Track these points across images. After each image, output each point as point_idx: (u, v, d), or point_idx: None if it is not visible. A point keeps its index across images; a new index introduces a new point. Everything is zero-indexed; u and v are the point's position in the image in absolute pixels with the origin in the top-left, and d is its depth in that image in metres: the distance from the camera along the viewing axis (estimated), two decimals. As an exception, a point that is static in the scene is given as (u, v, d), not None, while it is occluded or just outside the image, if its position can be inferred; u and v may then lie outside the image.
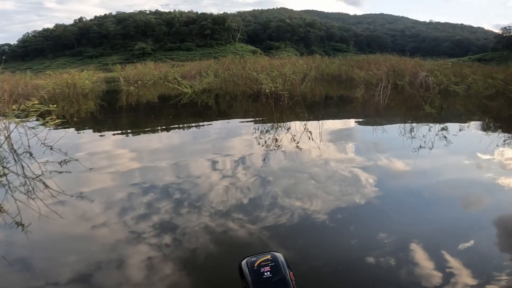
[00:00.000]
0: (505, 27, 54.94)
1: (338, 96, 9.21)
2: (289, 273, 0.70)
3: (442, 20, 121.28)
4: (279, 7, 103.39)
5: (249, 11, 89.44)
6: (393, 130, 5.05)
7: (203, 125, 5.76)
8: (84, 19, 62.86)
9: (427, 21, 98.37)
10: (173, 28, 58.28)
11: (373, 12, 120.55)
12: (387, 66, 11.37)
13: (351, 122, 6.06)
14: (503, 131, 5.02)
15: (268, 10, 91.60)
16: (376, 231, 2.34)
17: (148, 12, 66.48)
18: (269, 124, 5.26)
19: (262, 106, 7.43)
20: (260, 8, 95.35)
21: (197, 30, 58.05)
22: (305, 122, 5.72)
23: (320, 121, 5.50)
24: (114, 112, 7.97)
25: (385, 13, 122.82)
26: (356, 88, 8.75)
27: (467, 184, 3.20)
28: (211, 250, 2.08)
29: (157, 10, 67.13)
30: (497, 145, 4.27)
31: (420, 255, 2.05)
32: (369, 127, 5.46)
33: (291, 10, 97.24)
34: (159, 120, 6.41)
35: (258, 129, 5.02)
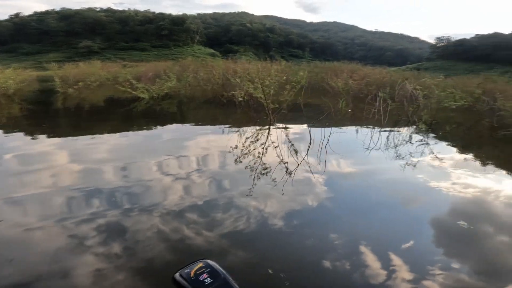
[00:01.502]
0: (439, 38, 62.30)
1: (316, 105, 8.60)
2: (229, 275, 0.71)
3: (386, 30, 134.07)
4: (240, 11, 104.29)
5: (210, 14, 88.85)
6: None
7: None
8: (21, 15, 56.30)
9: (374, 30, 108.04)
10: (126, 27, 55.17)
11: (328, 20, 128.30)
12: (360, 75, 11.46)
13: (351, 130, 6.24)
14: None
15: (229, 14, 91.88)
16: (328, 233, 2.42)
17: (99, 9, 62.01)
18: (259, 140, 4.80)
19: (243, 117, 6.87)
20: (221, 11, 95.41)
21: (153, 30, 55.78)
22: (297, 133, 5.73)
23: (325, 131, 5.04)
24: (46, 118, 6.91)
25: (338, 21, 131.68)
26: (332, 98, 8.41)
27: (410, 187, 3.52)
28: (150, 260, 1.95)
29: (109, 8, 62.97)
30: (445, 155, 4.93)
31: (367, 255, 2.19)
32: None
33: (252, 14, 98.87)
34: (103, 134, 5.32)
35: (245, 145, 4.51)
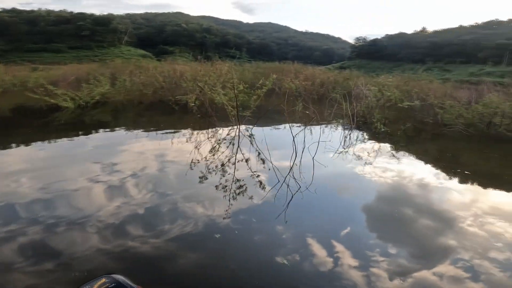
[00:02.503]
0: (357, 38, 70.04)
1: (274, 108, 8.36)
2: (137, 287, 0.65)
3: (315, 31, 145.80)
4: (175, 11, 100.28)
5: (141, 14, 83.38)
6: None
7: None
8: None
9: (304, 31, 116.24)
10: (36, 28, 47.92)
11: (264, 21, 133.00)
12: (306, 76, 11.67)
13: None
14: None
15: (163, 14, 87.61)
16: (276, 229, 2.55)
17: (1, 10, 53.35)
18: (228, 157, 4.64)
19: (198, 123, 6.53)
20: (154, 11, 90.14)
21: (71, 31, 49.69)
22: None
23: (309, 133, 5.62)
24: None
25: (273, 22, 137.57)
26: (282, 100, 8.05)
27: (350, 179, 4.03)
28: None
29: (14, 8, 54.61)
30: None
31: (314, 245, 2.35)
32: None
33: (188, 15, 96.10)
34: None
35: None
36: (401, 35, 61.30)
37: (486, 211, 3.41)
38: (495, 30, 48.92)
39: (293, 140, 4.66)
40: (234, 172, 3.89)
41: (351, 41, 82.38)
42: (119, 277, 0.73)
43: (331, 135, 6.41)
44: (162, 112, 8.30)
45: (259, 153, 4.71)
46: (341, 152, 5.17)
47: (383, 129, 6.76)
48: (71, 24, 50.21)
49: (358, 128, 7.33)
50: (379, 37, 64.09)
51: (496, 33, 45.52)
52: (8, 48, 43.95)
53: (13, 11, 53.11)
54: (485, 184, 4.31)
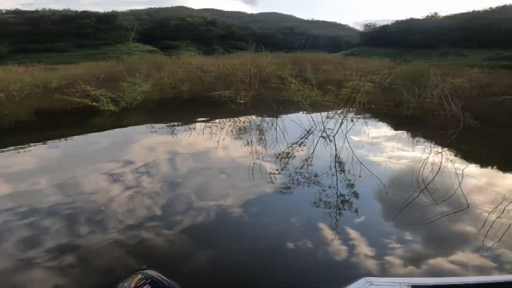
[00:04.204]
0: (366, 25, 68.06)
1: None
2: (173, 283, 0.69)
3: (321, 19, 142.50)
4: (176, 5, 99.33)
5: (144, 10, 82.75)
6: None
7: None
8: None
9: (309, 19, 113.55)
10: (40, 28, 47.99)
11: (267, 11, 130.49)
12: (352, 67, 10.24)
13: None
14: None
15: (165, 9, 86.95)
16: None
17: (4, 11, 53.91)
18: None
19: None
20: (156, 7, 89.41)
21: (74, 29, 49.62)
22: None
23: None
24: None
25: (276, 12, 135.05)
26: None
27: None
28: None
29: (17, 9, 54.97)
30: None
31: (326, 232, 2.41)
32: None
33: (191, 8, 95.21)
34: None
35: None
36: (412, 20, 59.22)
37: None
38: (508, 15, 46.62)
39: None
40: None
41: (357, 28, 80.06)
42: (154, 273, 0.74)
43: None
44: (217, 107, 7.63)
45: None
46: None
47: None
48: (75, 23, 50.19)
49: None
50: (388, 23, 62.08)
51: (509, 18, 43.47)
52: (13, 49, 44.21)
53: (17, 12, 53.37)
54: None
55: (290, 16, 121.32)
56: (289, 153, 4.71)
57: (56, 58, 35.56)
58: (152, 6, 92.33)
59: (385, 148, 5.21)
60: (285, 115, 6.93)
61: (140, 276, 0.70)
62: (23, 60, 33.85)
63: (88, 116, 6.94)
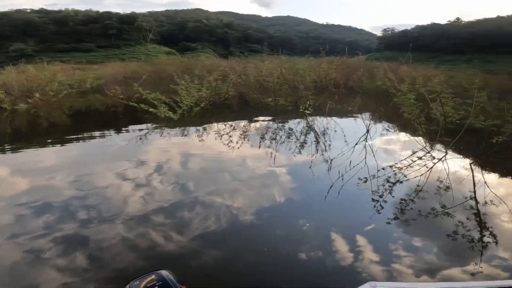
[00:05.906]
0: (385, 29, 66.88)
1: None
2: (181, 287, 0.68)
3: (336, 23, 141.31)
4: (194, 7, 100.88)
5: (162, 12, 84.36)
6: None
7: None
8: None
9: (325, 23, 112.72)
10: (65, 28, 49.27)
11: (282, 15, 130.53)
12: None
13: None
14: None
15: (182, 11, 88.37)
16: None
17: (29, 10, 55.75)
18: None
19: None
20: (174, 9, 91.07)
21: (99, 30, 50.73)
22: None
23: None
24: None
25: (292, 15, 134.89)
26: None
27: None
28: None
29: (42, 8, 56.67)
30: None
31: (338, 240, 2.36)
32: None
33: (207, 11, 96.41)
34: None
35: None
36: (434, 25, 57.84)
37: None
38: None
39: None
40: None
41: (374, 32, 78.71)
42: (166, 274, 0.71)
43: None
44: (273, 114, 7.22)
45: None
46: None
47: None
48: (98, 24, 51.33)
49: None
50: (408, 28, 60.82)
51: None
52: (39, 49, 45.33)
53: (42, 11, 54.90)
54: None
55: (305, 19, 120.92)
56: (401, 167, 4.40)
57: (82, 58, 36.32)
58: (170, 8, 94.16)
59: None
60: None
61: (153, 276, 0.70)
62: (49, 60, 34.93)
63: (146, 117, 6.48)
